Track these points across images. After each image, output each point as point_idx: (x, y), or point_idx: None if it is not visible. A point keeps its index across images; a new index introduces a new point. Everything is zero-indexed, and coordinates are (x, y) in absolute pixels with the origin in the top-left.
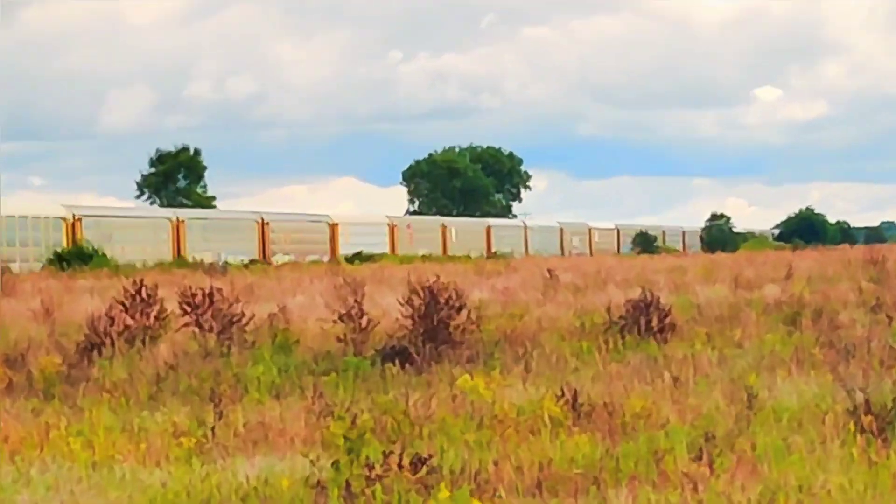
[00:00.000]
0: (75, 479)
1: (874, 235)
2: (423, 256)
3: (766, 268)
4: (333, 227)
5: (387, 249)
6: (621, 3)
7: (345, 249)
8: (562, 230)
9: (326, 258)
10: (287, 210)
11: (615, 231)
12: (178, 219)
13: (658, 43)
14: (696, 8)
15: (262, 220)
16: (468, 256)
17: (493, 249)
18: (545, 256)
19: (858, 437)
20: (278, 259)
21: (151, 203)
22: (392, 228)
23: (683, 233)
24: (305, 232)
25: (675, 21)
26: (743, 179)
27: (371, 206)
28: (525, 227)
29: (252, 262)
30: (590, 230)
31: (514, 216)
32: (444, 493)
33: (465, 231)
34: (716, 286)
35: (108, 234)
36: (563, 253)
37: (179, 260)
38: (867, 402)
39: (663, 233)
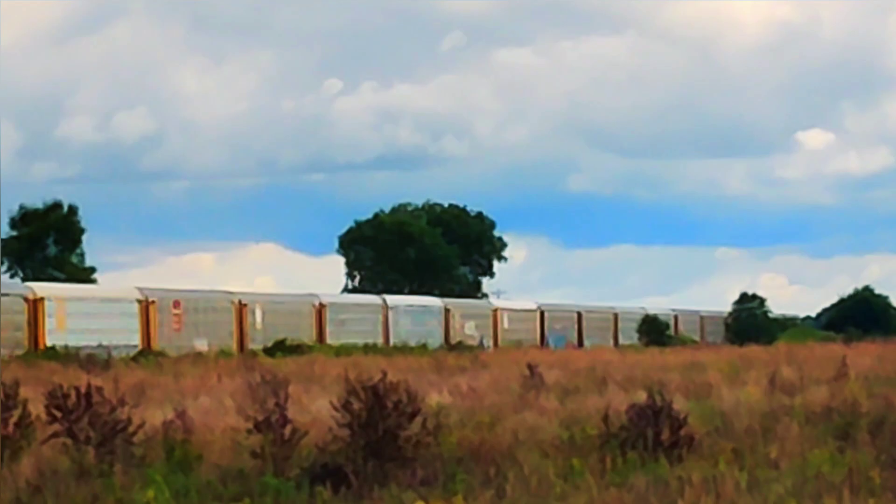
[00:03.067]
0: None
1: None
2: (365, 346)
3: (810, 365)
4: (241, 307)
5: (312, 337)
6: (625, 19)
7: (258, 337)
8: (542, 314)
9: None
10: (178, 287)
11: (612, 316)
12: (35, 296)
13: (673, 72)
14: (722, 28)
15: (147, 298)
16: (422, 346)
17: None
18: (522, 348)
19: None
20: (164, 348)
21: (12, 275)
22: (320, 310)
23: (701, 318)
24: (204, 313)
25: (696, 44)
26: (781, 250)
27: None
28: (495, 311)
29: (141, 353)
30: (579, 314)
31: (484, 295)
32: None
33: (414, 313)
34: (746, 388)
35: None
36: (541, 344)
37: (48, 351)
38: None
39: (676, 318)
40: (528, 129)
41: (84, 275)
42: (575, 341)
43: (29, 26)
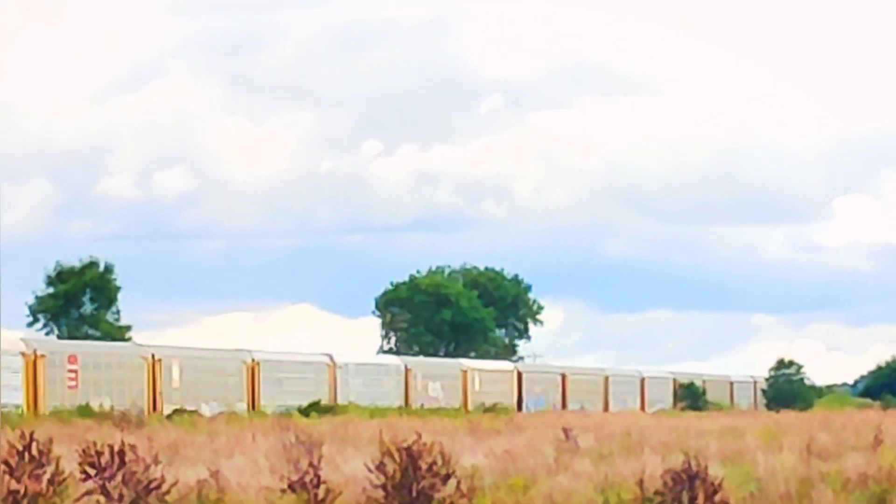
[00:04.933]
0: None
1: None
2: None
3: (847, 432)
4: (155, 363)
5: (242, 398)
6: (663, 81)
7: (175, 398)
8: (519, 375)
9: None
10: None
11: (638, 379)
12: (253, 361)
13: (712, 136)
14: (761, 89)
15: (35, 352)
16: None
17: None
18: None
19: None
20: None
21: (48, 333)
22: (252, 368)
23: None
24: (107, 369)
25: (735, 107)
26: (818, 317)
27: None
28: (465, 372)
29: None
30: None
31: (520, 358)
32: None
33: (367, 372)
34: (782, 454)
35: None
36: (518, 408)
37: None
38: None
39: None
40: (566, 193)
41: (119, 333)
42: (559, 405)
43: (69, 84)
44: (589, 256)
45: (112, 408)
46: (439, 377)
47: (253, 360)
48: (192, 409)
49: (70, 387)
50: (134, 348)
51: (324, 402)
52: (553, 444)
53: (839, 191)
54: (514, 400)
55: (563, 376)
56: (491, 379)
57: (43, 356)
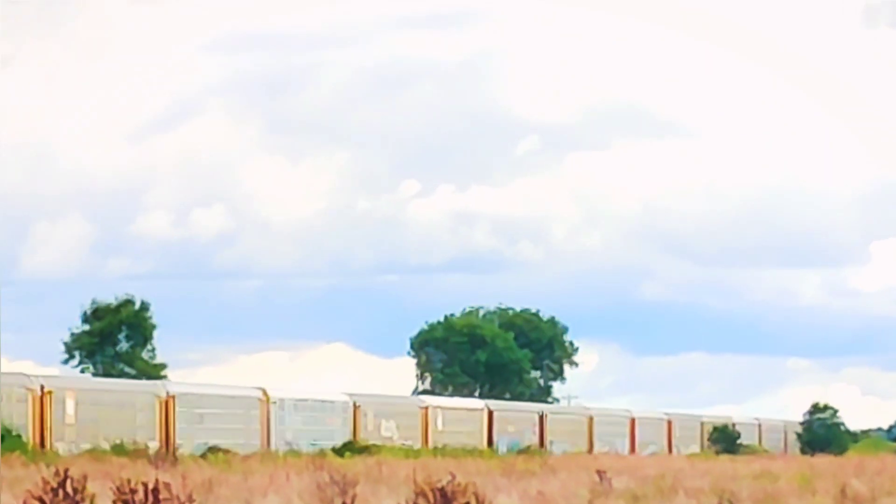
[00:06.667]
0: None
1: None
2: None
3: (882, 477)
4: (44, 396)
5: (154, 437)
6: (699, 124)
7: (69, 436)
8: (490, 414)
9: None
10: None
11: (665, 422)
12: (168, 394)
13: (748, 178)
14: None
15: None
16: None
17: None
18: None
19: None
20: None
21: (83, 370)
22: (166, 403)
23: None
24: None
25: (772, 149)
26: (854, 361)
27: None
28: (426, 409)
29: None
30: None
31: (556, 400)
32: None
33: (307, 409)
34: (815, 498)
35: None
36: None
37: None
38: None
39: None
40: (602, 235)
41: (155, 371)
42: (537, 444)
43: (107, 122)
44: (624, 299)
45: None
46: (394, 415)
47: (168, 394)
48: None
49: None
50: (18, 378)
51: (253, 442)
52: (587, 486)
53: (877, 235)
54: (483, 441)
55: (542, 416)
56: (456, 417)
57: None
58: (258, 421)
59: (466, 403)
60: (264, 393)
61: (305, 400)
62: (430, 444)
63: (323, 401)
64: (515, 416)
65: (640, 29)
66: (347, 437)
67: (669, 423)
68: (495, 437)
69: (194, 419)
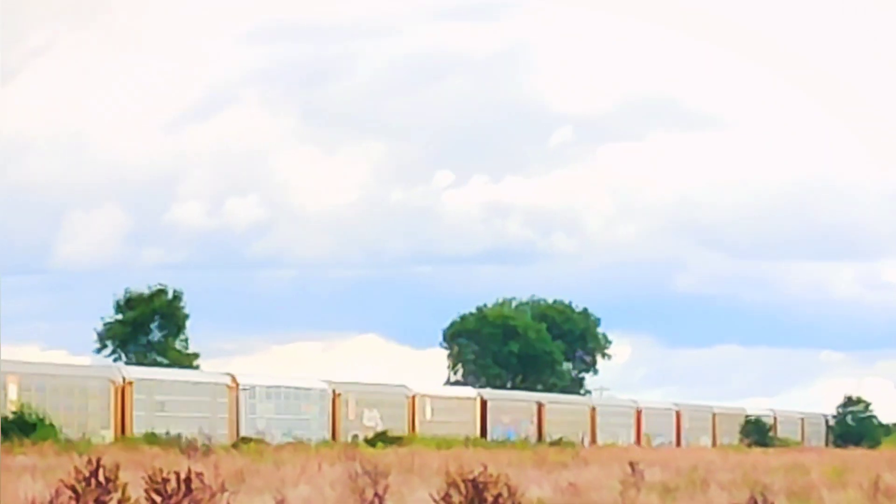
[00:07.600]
0: None
1: None
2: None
3: None
4: (123, 387)
5: (109, 424)
6: (734, 116)
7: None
8: (483, 403)
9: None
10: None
11: (711, 415)
12: (124, 380)
13: (783, 171)
14: (834, 124)
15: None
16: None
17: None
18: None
19: None
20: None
21: (116, 359)
22: (122, 389)
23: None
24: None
25: (807, 143)
26: (888, 354)
27: (398, 373)
28: (412, 398)
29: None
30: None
31: (588, 392)
32: None
33: (281, 396)
34: (847, 492)
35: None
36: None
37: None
38: None
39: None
40: (635, 227)
41: (187, 360)
42: (535, 435)
43: (142, 112)
44: (658, 291)
45: None
46: (378, 404)
47: (124, 380)
48: None
49: None
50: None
51: (220, 431)
52: (619, 478)
53: None
54: (476, 431)
55: (541, 405)
56: (446, 407)
57: None
58: (226, 409)
59: (457, 392)
60: (233, 379)
61: (278, 387)
62: (418, 435)
63: (298, 388)
64: (511, 405)
65: (672, 23)
66: (326, 426)
67: (678, 413)
68: (489, 428)
69: (154, 407)
